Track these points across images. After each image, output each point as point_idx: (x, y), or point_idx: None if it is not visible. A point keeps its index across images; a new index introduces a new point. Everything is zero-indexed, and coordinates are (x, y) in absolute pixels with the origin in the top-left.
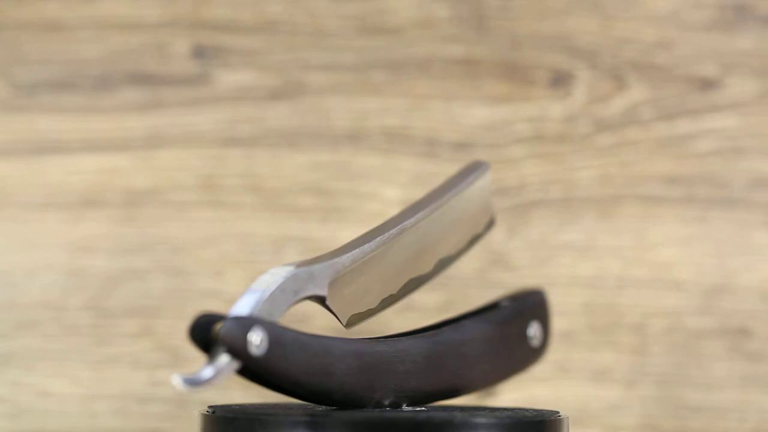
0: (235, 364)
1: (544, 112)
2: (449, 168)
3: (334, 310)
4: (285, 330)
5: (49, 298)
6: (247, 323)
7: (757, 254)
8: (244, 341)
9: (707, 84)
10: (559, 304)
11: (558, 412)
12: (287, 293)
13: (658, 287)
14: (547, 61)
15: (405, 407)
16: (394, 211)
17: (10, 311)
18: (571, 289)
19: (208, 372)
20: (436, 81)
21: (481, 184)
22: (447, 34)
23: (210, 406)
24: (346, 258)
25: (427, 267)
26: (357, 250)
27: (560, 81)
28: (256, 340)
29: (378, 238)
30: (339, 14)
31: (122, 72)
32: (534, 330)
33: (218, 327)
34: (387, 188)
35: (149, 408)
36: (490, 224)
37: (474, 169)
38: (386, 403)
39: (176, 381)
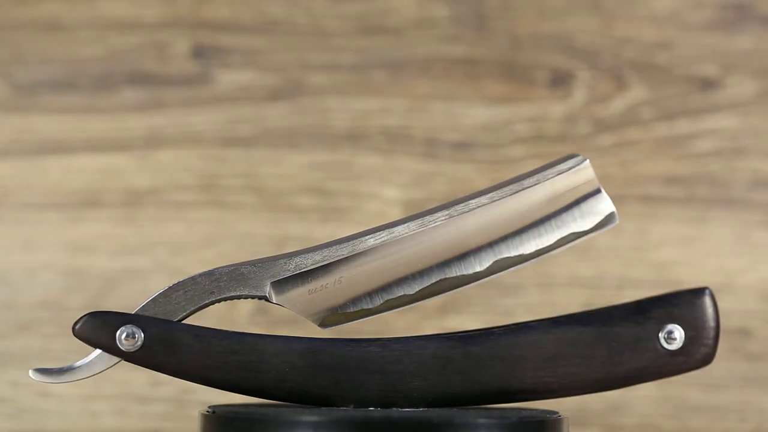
0: (111, 358)
1: (544, 112)
2: (449, 168)
3: (291, 310)
4: (173, 326)
5: (49, 298)
6: (114, 320)
7: (757, 254)
8: (112, 337)
9: (707, 84)
10: (559, 304)
11: (558, 412)
12: (199, 292)
13: (658, 287)
14: (547, 61)
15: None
16: (394, 211)
17: (10, 311)
18: (571, 289)
19: (75, 365)
20: (436, 81)
21: (572, 178)
22: (447, 34)
23: (210, 406)
24: (300, 259)
25: (477, 266)
26: (318, 252)
27: (560, 81)
28: (129, 335)
29: (363, 238)
30: (339, 14)
31: (122, 72)
32: (671, 332)
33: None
34: (387, 188)
35: (149, 408)
36: (594, 223)
37: (560, 162)
38: (372, 402)
39: (32, 373)
